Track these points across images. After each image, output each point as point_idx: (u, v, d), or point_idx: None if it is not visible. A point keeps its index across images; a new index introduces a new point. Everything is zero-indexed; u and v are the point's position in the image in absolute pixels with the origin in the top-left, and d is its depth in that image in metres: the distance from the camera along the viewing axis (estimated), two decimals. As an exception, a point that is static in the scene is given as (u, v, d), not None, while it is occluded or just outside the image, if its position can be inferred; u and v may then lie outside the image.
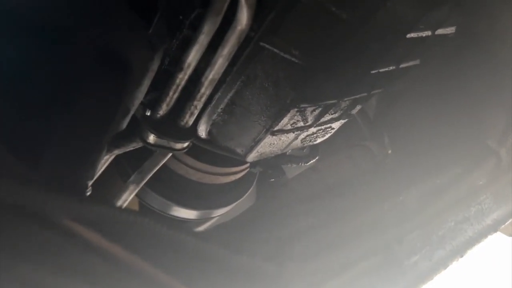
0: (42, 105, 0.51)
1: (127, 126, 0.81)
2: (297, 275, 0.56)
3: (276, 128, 0.83)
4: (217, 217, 1.31)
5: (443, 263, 0.75)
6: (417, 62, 0.92)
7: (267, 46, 0.68)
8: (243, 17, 0.62)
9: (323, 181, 0.98)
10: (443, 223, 0.75)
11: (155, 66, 0.67)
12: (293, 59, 0.71)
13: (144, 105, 0.81)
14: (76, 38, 0.49)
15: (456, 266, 0.80)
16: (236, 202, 1.26)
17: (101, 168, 0.87)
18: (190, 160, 1.08)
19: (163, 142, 0.80)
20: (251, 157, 0.92)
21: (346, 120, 0.99)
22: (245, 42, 0.67)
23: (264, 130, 0.83)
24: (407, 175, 0.81)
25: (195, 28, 0.68)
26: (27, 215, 0.38)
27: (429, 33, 0.80)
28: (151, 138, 0.79)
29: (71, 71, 0.49)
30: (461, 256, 0.80)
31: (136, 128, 0.81)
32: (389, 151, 1.12)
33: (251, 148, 0.89)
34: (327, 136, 1.05)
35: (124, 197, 0.94)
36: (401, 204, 0.69)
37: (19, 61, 0.48)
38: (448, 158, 0.89)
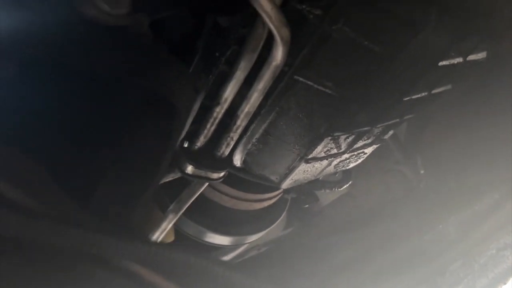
0: (93, 146, 0.54)
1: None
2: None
3: (310, 156, 0.84)
4: (249, 243, 1.32)
5: (486, 292, 0.73)
6: (449, 87, 0.92)
7: (301, 79, 0.70)
8: (279, 54, 0.64)
9: (359, 208, 0.98)
10: (484, 251, 0.74)
11: (197, 105, 0.70)
12: (326, 90, 0.73)
13: (182, 138, 0.84)
14: (127, 85, 0.52)
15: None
16: (269, 229, 1.26)
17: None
18: (225, 188, 1.10)
19: (201, 172, 0.82)
20: (286, 184, 0.93)
21: (378, 145, 1.00)
22: (280, 76, 0.69)
23: (298, 158, 0.84)
24: (445, 203, 0.80)
25: (231, 64, 0.71)
26: (86, 258, 0.40)
27: (460, 59, 0.81)
28: (189, 169, 0.82)
29: (123, 115, 0.52)
30: (504, 284, 0.78)
31: (175, 159, 0.84)
32: (422, 171, 1.11)
33: (286, 176, 0.90)
34: (359, 161, 1.05)
35: (163, 226, 0.97)
36: (441, 233, 0.68)
37: (75, 106, 0.51)
38: (486, 183, 0.87)
